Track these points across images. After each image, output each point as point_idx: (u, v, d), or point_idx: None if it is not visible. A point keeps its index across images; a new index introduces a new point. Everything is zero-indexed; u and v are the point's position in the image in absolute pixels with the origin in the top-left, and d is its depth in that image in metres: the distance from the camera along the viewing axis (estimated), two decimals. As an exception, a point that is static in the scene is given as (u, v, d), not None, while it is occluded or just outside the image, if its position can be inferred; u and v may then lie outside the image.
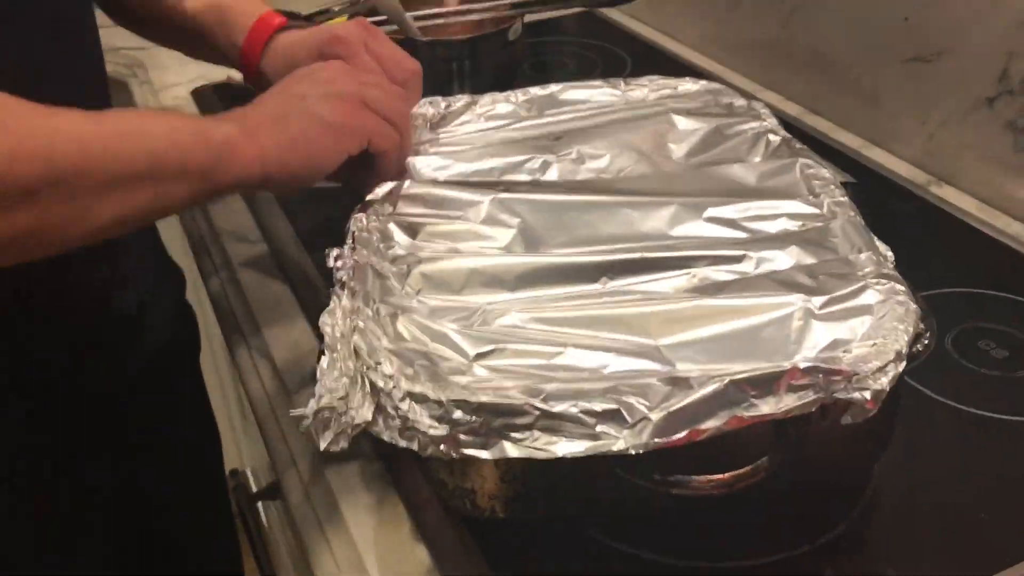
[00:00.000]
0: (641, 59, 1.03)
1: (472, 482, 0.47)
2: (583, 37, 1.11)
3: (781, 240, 0.52)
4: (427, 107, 0.73)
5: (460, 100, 0.74)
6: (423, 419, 0.41)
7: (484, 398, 0.41)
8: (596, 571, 0.48)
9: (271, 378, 0.65)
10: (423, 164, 0.65)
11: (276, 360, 0.66)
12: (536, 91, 0.75)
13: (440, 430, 0.41)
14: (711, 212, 0.54)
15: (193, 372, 0.86)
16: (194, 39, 0.74)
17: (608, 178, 0.61)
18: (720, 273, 0.50)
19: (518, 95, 0.74)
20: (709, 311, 0.47)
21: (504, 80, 0.90)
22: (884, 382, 0.42)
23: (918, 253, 0.54)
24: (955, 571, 0.47)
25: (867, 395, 0.42)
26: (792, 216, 0.54)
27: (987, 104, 0.75)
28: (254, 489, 0.95)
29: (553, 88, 0.75)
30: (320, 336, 0.52)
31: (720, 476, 0.42)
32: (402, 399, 0.41)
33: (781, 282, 0.48)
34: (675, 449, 0.41)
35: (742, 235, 0.53)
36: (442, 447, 0.41)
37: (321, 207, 0.76)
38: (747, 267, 0.50)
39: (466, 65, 0.89)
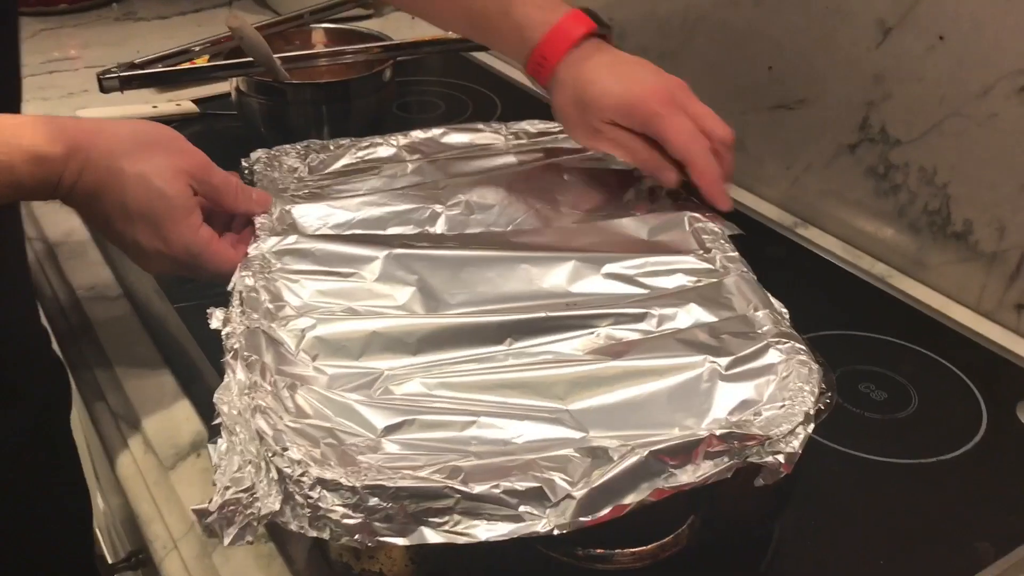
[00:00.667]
0: (511, 101, 1.03)
1: (380, 564, 0.44)
2: (451, 78, 1.10)
3: (679, 297, 0.52)
4: (302, 152, 0.70)
5: (340, 143, 0.71)
6: (336, 508, 0.38)
7: (401, 483, 0.38)
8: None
9: (143, 452, 0.60)
10: (306, 213, 0.62)
11: (147, 431, 0.60)
12: (418, 134, 0.73)
13: (355, 519, 0.38)
14: (609, 268, 0.54)
15: (63, 432, 0.77)
16: (476, 28, 0.68)
17: (500, 231, 0.60)
18: (623, 332, 0.49)
19: (399, 138, 0.73)
20: (616, 373, 0.46)
21: (375, 122, 0.88)
22: (795, 445, 0.42)
23: (791, 295, 0.55)
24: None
25: (780, 458, 0.42)
26: (687, 271, 0.54)
27: (849, 150, 0.79)
28: (110, 559, 0.88)
29: (435, 131, 0.74)
30: (201, 408, 0.48)
31: (644, 548, 0.41)
32: (312, 487, 0.38)
33: (685, 342, 0.48)
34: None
35: (641, 291, 0.53)
36: (357, 536, 0.38)
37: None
38: (649, 325, 0.50)
39: (336, 108, 0.86)
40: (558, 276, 0.53)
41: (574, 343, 0.49)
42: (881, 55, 0.74)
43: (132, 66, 0.80)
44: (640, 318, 0.50)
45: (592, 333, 0.49)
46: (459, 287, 0.52)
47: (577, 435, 0.43)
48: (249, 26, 0.77)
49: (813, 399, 0.44)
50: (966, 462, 0.59)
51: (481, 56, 1.15)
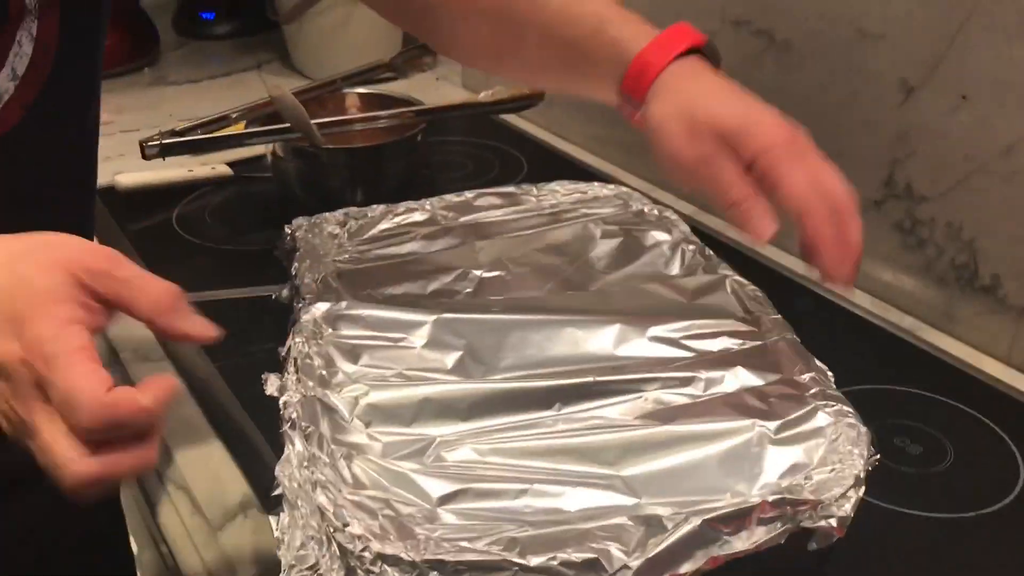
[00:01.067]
0: (536, 160, 1.05)
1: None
2: (476, 138, 1.12)
3: (726, 361, 0.53)
4: (342, 218, 0.72)
5: (376, 209, 0.73)
6: None
7: (460, 556, 0.39)
8: None
9: (190, 514, 0.61)
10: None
11: (194, 493, 0.62)
12: (451, 198, 0.75)
13: None
14: (653, 331, 0.55)
15: (110, 501, 0.77)
16: (564, 60, 0.60)
17: (541, 295, 0.62)
18: (671, 396, 0.50)
19: (434, 203, 0.74)
20: (666, 438, 0.48)
21: (406, 184, 0.91)
22: (847, 508, 0.43)
23: (822, 350, 0.56)
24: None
25: (833, 523, 0.43)
26: (731, 334, 0.56)
27: (875, 206, 0.80)
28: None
29: (468, 195, 0.75)
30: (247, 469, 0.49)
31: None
32: (373, 561, 0.39)
33: (733, 405, 0.49)
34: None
35: (687, 354, 0.54)
36: None
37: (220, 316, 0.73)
38: (697, 389, 0.51)
39: (369, 171, 0.88)
40: (604, 339, 0.55)
41: (622, 407, 0.50)
42: (905, 113, 0.76)
43: (173, 133, 0.82)
44: (688, 382, 0.51)
45: (640, 397, 0.51)
46: (506, 351, 0.54)
47: (630, 502, 0.44)
48: (290, 94, 0.80)
49: (863, 461, 0.45)
50: (1007, 515, 0.59)
51: (507, 116, 1.18)
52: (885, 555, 0.56)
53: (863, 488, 0.44)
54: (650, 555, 0.40)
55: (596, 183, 0.78)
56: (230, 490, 0.61)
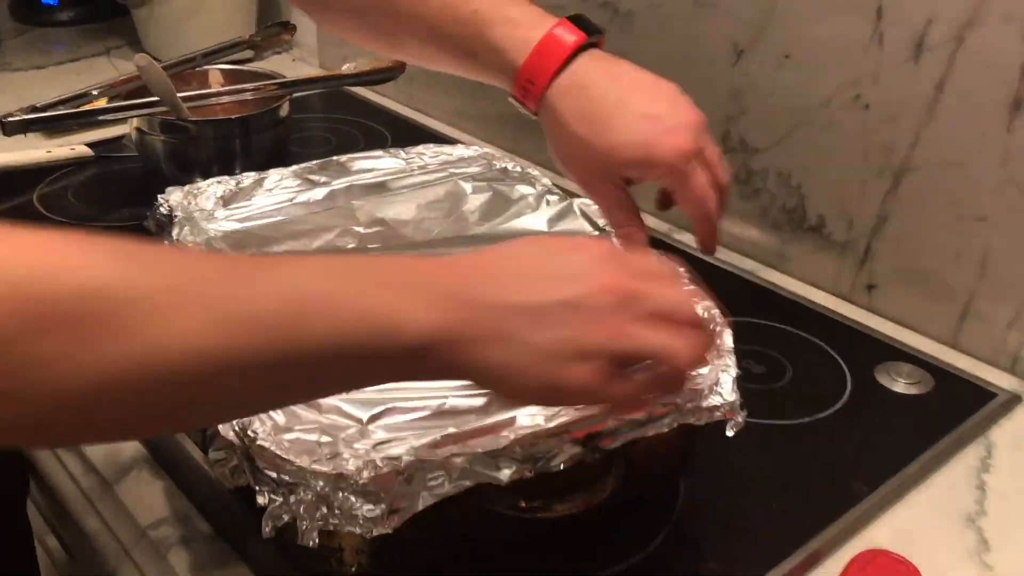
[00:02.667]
0: (400, 133, 1.09)
1: (340, 539, 0.48)
2: (339, 113, 1.15)
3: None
4: (216, 186, 0.74)
5: (248, 177, 0.75)
6: (362, 509, 0.43)
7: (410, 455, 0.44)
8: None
9: (84, 474, 0.62)
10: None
11: (87, 453, 0.63)
12: (323, 162, 0.78)
13: (377, 510, 0.43)
14: None
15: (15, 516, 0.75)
16: (451, 57, 0.61)
17: (420, 241, 0.66)
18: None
19: (307, 167, 0.77)
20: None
21: (274, 156, 0.92)
22: (730, 390, 0.50)
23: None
24: (761, 554, 0.55)
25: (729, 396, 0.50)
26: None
27: (715, 161, 0.88)
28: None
29: (340, 158, 0.78)
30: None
31: (575, 499, 0.47)
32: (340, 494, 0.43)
33: None
34: (535, 480, 0.46)
35: None
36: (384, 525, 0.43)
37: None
38: None
39: (237, 144, 0.90)
40: None
41: None
42: (736, 74, 0.84)
43: (34, 109, 0.81)
44: None
45: None
46: None
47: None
48: (157, 66, 0.80)
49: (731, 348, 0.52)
50: (838, 418, 0.68)
51: (364, 92, 1.21)
52: (739, 457, 0.63)
53: (736, 370, 0.51)
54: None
55: (460, 145, 0.83)
56: (124, 447, 0.63)
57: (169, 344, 0.33)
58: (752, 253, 0.88)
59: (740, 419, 0.52)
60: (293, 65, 1.30)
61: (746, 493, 0.61)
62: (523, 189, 0.75)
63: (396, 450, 0.45)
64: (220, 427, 0.47)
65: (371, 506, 0.43)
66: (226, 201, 0.72)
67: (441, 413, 0.48)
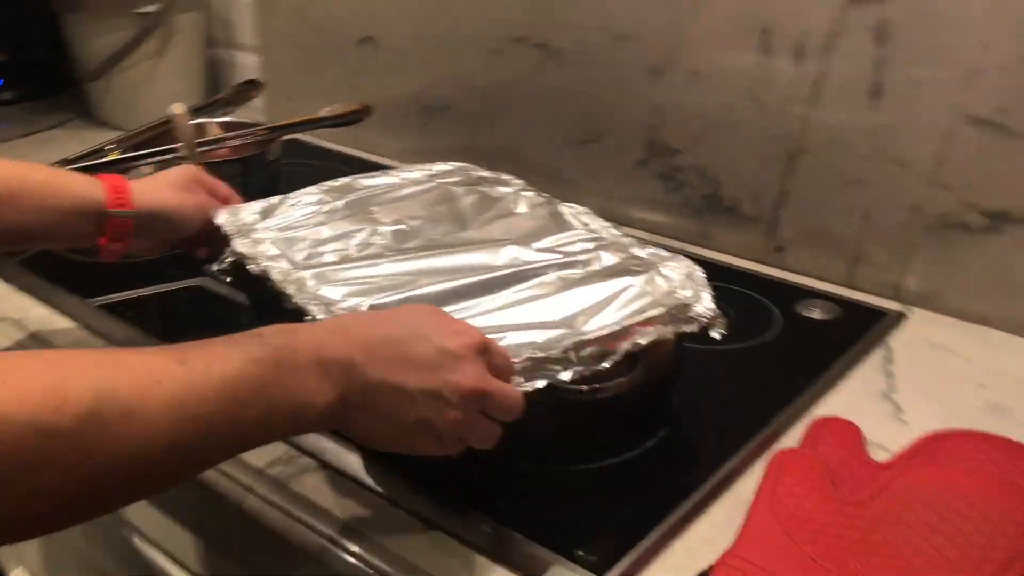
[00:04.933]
0: (365, 170, 1.24)
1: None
2: (306, 160, 1.30)
3: (596, 250, 0.76)
4: (252, 204, 0.88)
5: (274, 198, 0.89)
6: None
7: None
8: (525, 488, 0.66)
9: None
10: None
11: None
12: (331, 183, 0.93)
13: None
14: (536, 245, 0.77)
15: None
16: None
17: (441, 237, 0.82)
18: (568, 272, 0.73)
19: (318, 187, 0.92)
20: (578, 286, 0.70)
21: (269, 193, 1.05)
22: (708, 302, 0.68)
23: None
24: (738, 431, 0.73)
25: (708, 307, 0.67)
26: (585, 239, 0.79)
27: (643, 164, 1.08)
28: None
29: (345, 179, 0.93)
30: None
31: (610, 385, 0.64)
32: None
33: (623, 269, 0.73)
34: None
35: (561, 257, 0.76)
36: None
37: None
38: (591, 267, 0.74)
39: (239, 181, 1.03)
40: (507, 254, 0.75)
41: (535, 280, 0.72)
42: (656, 91, 1.04)
43: (66, 162, 0.93)
44: (576, 264, 0.74)
45: (547, 276, 0.72)
46: (430, 275, 0.73)
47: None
48: (185, 114, 0.94)
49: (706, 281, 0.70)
50: (776, 339, 0.87)
51: (317, 140, 1.36)
52: (710, 374, 0.80)
53: (711, 292, 0.69)
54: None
55: (438, 161, 0.99)
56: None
57: (150, 443, 0.44)
58: (681, 236, 1.08)
59: (721, 325, 0.69)
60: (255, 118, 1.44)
61: (719, 396, 0.79)
62: (502, 189, 0.92)
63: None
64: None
65: None
66: (264, 215, 0.86)
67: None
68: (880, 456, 0.70)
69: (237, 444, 0.51)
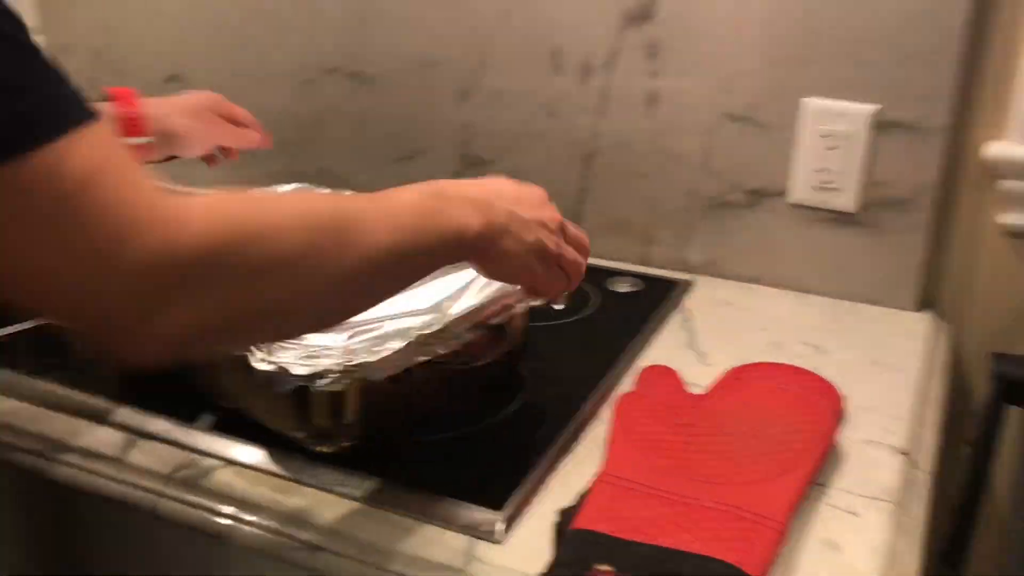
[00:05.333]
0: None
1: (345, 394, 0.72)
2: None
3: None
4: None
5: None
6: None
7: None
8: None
9: None
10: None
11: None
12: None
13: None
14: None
15: None
16: None
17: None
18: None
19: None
20: (442, 282, 0.81)
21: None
22: None
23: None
24: (582, 384, 0.87)
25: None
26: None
27: (458, 175, 1.20)
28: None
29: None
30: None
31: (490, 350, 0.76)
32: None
33: None
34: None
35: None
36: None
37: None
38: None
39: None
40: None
41: None
42: (463, 110, 1.17)
43: None
44: None
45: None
46: None
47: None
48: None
49: None
50: (596, 312, 1.02)
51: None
52: (549, 343, 0.94)
53: None
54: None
55: (283, 184, 1.07)
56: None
57: (374, 246, 0.56)
58: (497, 236, 1.21)
59: (563, 298, 0.82)
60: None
61: (560, 363, 0.92)
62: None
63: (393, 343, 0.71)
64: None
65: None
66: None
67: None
68: (696, 391, 0.86)
69: (425, 258, 0.61)
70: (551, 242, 0.69)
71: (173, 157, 0.97)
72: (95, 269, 0.44)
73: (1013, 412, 0.76)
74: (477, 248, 0.66)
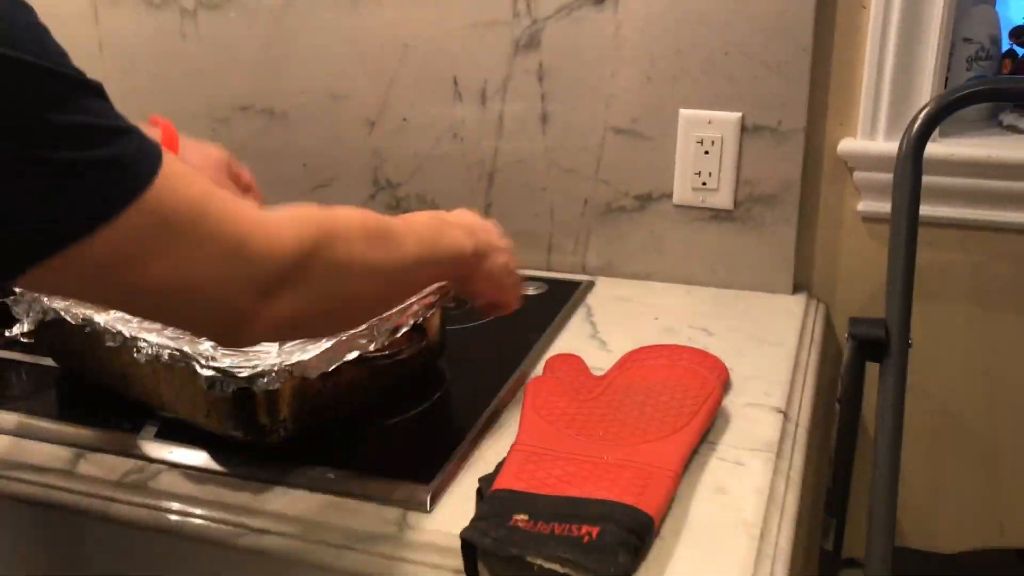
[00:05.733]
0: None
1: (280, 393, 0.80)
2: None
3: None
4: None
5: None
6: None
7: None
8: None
9: None
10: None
11: None
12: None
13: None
14: None
15: None
16: None
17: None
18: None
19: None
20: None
21: None
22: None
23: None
24: (495, 376, 0.95)
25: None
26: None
27: (372, 198, 1.29)
28: None
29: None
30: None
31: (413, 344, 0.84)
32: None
33: None
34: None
35: None
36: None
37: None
38: None
39: None
40: None
41: None
42: (373, 138, 1.26)
43: None
44: None
45: None
46: None
47: None
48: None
49: None
50: (504, 316, 1.11)
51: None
52: (461, 346, 1.03)
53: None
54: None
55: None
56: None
57: (407, 253, 0.69)
58: (412, 254, 1.30)
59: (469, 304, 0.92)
60: None
61: (478, 358, 1.01)
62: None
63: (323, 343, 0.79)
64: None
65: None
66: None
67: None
68: (598, 373, 0.96)
69: (436, 268, 0.76)
70: (512, 264, 0.86)
71: None
72: (226, 268, 0.55)
73: (871, 368, 0.87)
74: (470, 266, 0.80)
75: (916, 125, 0.83)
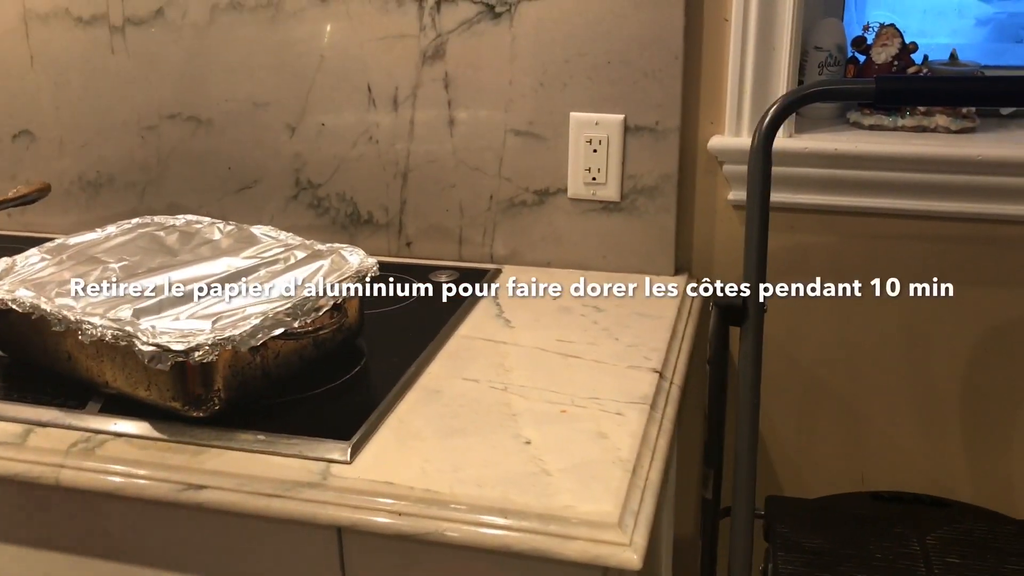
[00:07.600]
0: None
1: (215, 366, 0.90)
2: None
3: (289, 251, 1.07)
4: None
5: (4, 261, 1.08)
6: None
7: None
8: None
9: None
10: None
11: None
12: (46, 245, 1.13)
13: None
14: (243, 255, 1.07)
15: None
16: None
17: (158, 266, 1.06)
18: (278, 267, 1.02)
19: (36, 249, 1.11)
20: (291, 275, 1.00)
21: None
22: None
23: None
24: (408, 357, 1.07)
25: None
26: (278, 246, 1.09)
27: (295, 199, 1.39)
28: None
29: (54, 242, 1.14)
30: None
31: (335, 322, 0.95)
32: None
33: (315, 256, 1.04)
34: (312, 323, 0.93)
35: (265, 259, 1.06)
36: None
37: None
38: (289, 262, 1.04)
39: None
40: (223, 264, 1.04)
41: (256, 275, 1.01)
42: (294, 143, 1.36)
43: None
44: (279, 261, 1.04)
45: (260, 272, 1.02)
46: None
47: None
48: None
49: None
50: (423, 299, 1.23)
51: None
52: (386, 331, 1.14)
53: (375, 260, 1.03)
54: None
55: (125, 220, 1.23)
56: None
57: None
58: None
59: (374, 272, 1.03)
60: None
61: (395, 337, 1.12)
62: (197, 225, 1.19)
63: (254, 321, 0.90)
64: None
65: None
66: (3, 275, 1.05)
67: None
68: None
69: None
70: None
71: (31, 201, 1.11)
72: None
73: (732, 331, 1.01)
74: None
75: (765, 121, 0.96)
